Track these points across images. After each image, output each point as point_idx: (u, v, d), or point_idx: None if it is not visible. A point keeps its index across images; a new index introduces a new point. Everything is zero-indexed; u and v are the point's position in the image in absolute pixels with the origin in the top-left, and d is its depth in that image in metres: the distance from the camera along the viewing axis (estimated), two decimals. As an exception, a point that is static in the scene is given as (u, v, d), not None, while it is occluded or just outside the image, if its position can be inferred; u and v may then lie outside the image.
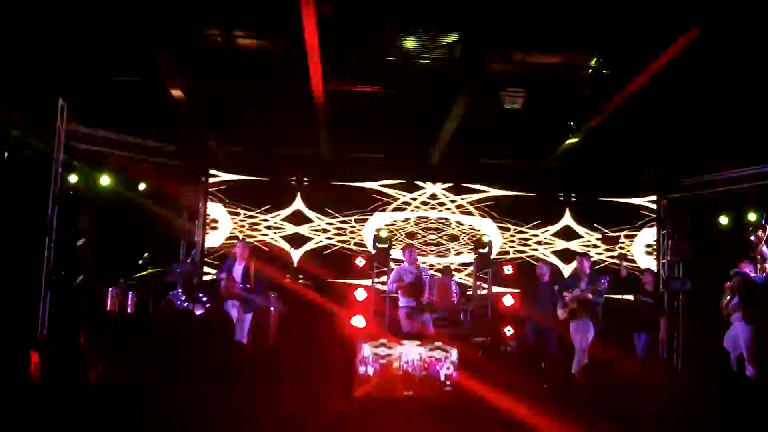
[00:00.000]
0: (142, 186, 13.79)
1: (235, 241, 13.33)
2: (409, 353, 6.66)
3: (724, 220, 14.28)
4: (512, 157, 14.82)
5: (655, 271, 14.63)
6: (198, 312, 12.19)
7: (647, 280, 13.60)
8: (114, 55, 10.80)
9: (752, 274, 11.55)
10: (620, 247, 15.47)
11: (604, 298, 12.30)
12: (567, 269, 15.18)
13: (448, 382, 7.64)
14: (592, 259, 13.14)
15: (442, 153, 14.17)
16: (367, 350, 6.10)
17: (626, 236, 15.61)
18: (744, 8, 8.55)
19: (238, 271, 12.24)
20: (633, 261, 15.38)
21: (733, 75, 10.69)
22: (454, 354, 6.36)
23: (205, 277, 14.62)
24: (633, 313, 13.20)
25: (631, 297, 13.40)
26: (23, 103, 11.58)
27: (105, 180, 13.53)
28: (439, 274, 13.65)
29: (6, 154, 11.61)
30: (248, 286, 12.14)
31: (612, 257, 15.33)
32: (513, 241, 15.50)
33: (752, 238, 12.60)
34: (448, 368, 7.48)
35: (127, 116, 12.89)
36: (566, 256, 15.44)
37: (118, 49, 10.58)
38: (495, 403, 7.34)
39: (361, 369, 7.19)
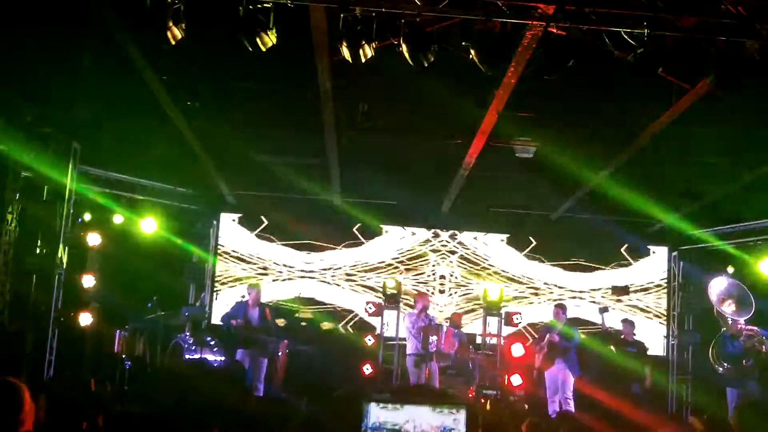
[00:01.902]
0: (152, 228, 13.70)
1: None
2: (418, 417, 6.35)
3: (730, 270, 14.17)
4: (523, 207, 14.84)
5: (633, 321, 14.55)
6: (210, 359, 12.10)
7: (626, 331, 13.70)
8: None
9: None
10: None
11: (576, 343, 12.42)
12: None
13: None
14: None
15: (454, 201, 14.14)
16: (374, 415, 5.79)
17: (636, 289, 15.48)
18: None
19: (254, 315, 12.15)
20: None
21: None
22: (462, 419, 6.04)
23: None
24: (621, 364, 13.11)
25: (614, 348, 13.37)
26: (36, 145, 11.60)
27: (116, 220, 13.52)
28: (448, 323, 13.59)
29: (18, 195, 11.65)
30: (266, 329, 12.13)
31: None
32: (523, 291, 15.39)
33: None
34: (456, 434, 7.17)
35: (139, 159, 12.93)
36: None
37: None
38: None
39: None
